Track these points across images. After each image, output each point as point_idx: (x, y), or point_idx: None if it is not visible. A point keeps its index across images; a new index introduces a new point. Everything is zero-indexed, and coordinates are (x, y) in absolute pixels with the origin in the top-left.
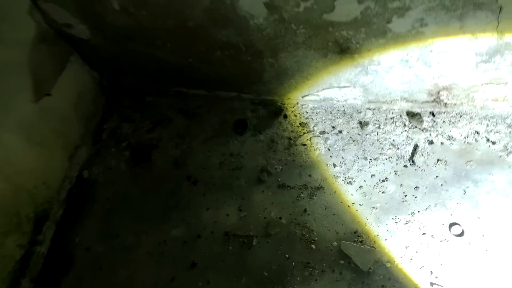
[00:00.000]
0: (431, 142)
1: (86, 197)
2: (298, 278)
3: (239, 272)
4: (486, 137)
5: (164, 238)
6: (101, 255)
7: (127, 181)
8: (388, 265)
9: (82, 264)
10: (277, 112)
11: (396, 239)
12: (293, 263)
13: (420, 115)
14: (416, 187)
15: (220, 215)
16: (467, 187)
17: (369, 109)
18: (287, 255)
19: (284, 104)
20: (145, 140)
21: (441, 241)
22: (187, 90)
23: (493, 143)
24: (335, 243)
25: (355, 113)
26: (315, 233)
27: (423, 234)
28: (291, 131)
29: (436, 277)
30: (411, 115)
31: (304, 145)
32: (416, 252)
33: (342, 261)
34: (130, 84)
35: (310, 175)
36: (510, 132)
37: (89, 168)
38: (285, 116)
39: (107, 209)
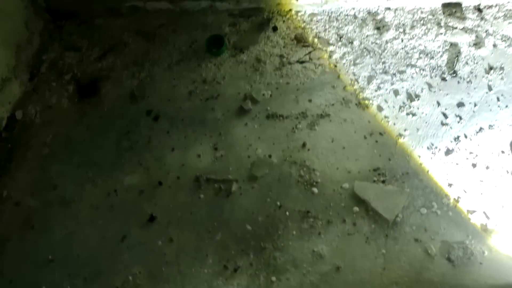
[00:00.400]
0: (479, 46)
1: (18, 142)
2: (294, 232)
3: (212, 226)
4: None
5: (114, 187)
6: (34, 210)
7: (71, 121)
8: (424, 211)
9: (10, 221)
10: (264, 24)
11: (435, 175)
12: (287, 213)
13: (462, 10)
14: (460, 105)
15: (189, 156)
16: None
17: (389, 9)
18: (278, 203)
19: (272, 12)
20: (93, 70)
21: (501, 175)
22: (144, 4)
23: None
24: (346, 185)
25: (370, 16)
26: (317, 173)
27: (474, 166)
28: (283, 47)
29: (494, 224)
30: (449, 11)
31: (302, 62)
32: (465, 191)
33: (356, 208)
34: (73, 4)
35: (310, 100)
36: None
37: (23, 108)
38: (275, 29)
39: (44, 156)
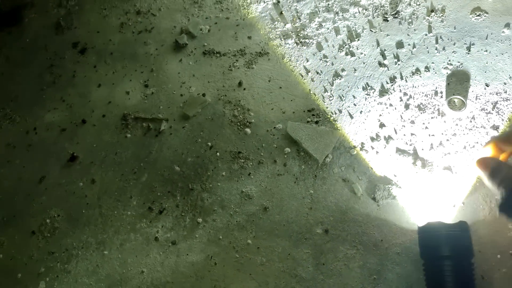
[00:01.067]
0: None
1: None
2: (224, 173)
3: (138, 167)
4: None
5: (34, 125)
6: None
7: None
8: (354, 152)
9: None
10: None
11: (368, 116)
12: (218, 153)
13: None
14: (399, 46)
15: (116, 93)
16: (472, 44)
17: None
18: (209, 144)
19: None
20: None
21: (432, 117)
22: None
23: None
24: (280, 125)
25: None
26: (252, 114)
27: (407, 107)
28: None
29: (423, 164)
30: None
31: None
32: (395, 131)
33: (288, 149)
34: None
35: (249, 37)
36: None
37: None
38: None
39: None
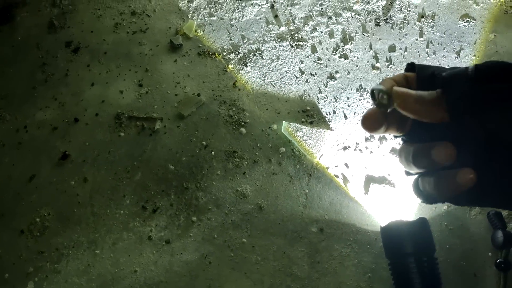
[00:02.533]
0: None
1: None
2: (219, 172)
3: (132, 166)
4: None
5: (24, 123)
6: None
7: None
8: (348, 150)
9: None
10: None
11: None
12: (213, 153)
13: None
14: (391, 50)
15: (110, 92)
16: (462, 49)
17: None
18: (204, 143)
19: None
20: None
21: None
22: None
23: None
24: (275, 126)
25: None
26: (246, 114)
27: None
28: None
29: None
30: None
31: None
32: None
33: (283, 149)
34: None
35: (243, 38)
36: None
37: None
38: None
39: None
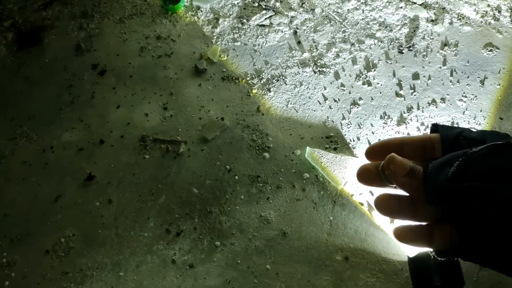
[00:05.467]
0: (436, 22)
1: None
2: (242, 197)
3: (156, 188)
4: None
5: (51, 144)
6: None
7: (7, 71)
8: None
9: None
10: None
11: None
12: (237, 177)
13: None
14: (415, 77)
15: (135, 114)
16: (485, 78)
17: None
18: (228, 167)
19: None
20: (36, 19)
21: None
22: None
23: None
24: (298, 151)
25: None
26: (270, 138)
27: None
28: (244, 8)
29: None
30: None
31: (262, 26)
32: None
33: (306, 175)
34: None
35: (267, 63)
36: None
37: None
38: None
39: None
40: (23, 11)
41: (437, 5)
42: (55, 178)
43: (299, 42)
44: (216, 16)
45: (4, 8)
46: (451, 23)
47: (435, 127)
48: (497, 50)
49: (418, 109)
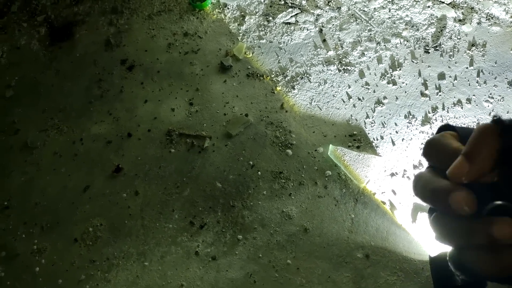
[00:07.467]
0: (463, 22)
1: None
2: (265, 192)
3: (181, 182)
4: None
5: (80, 136)
6: None
7: (39, 64)
8: (395, 177)
9: None
10: None
11: (409, 144)
12: (259, 173)
13: None
14: (440, 77)
15: (162, 109)
16: None
17: None
18: (251, 162)
19: None
20: (68, 14)
21: None
22: None
23: None
24: (321, 149)
25: None
26: (293, 135)
27: None
28: (270, 6)
29: None
30: None
31: (288, 23)
32: None
33: (329, 172)
34: None
35: (292, 61)
36: None
37: None
38: None
39: (7, 98)
40: (56, 7)
41: (465, 5)
42: (84, 169)
43: (324, 40)
44: (242, 13)
45: (37, 3)
46: (479, 23)
47: (445, 127)
48: None
49: (443, 109)
